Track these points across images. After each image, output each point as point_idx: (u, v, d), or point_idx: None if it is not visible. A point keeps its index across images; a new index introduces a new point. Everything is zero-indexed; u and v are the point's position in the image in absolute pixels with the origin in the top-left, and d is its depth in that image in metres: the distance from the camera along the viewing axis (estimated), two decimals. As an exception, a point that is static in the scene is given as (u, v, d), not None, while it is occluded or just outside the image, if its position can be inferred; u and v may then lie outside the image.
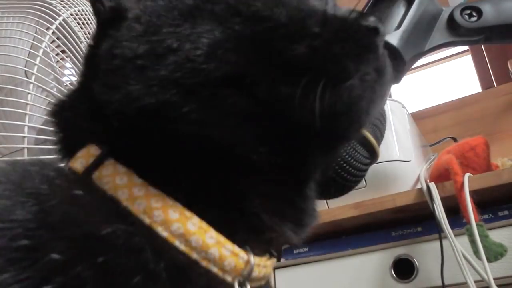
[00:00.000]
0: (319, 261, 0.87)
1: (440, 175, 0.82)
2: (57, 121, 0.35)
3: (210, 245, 0.29)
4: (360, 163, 0.49)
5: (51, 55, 0.82)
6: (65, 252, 0.24)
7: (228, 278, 0.30)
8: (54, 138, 0.35)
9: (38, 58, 0.76)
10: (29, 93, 0.74)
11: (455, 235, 0.71)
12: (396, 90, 1.69)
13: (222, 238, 0.30)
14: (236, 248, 0.30)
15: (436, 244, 0.75)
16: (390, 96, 1.29)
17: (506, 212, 0.78)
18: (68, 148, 0.33)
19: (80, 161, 0.31)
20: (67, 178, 0.30)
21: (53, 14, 0.82)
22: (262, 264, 0.32)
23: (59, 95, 0.76)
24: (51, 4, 0.83)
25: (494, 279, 0.66)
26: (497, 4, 0.60)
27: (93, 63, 0.33)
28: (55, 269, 0.24)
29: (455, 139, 1.04)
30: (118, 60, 0.31)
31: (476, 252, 0.67)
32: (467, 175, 0.74)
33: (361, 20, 0.33)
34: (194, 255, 0.29)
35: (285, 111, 0.30)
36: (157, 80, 0.29)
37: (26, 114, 0.72)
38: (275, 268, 0.90)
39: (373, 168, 0.54)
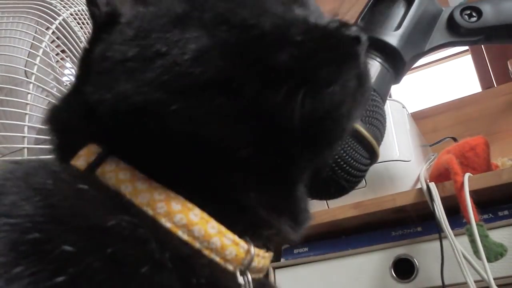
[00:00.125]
0: (319, 261, 0.87)
1: (440, 175, 0.82)
2: (52, 127, 0.36)
3: (212, 234, 0.30)
4: (360, 163, 0.49)
5: (51, 55, 0.81)
6: (76, 243, 0.25)
7: (230, 267, 0.31)
8: (51, 145, 0.36)
9: (38, 58, 0.76)
10: (29, 93, 0.74)
11: (455, 235, 0.71)
12: (396, 90, 1.69)
13: (223, 228, 0.31)
14: (236, 238, 0.32)
15: (436, 244, 0.75)
16: (390, 96, 1.29)
17: (506, 212, 0.78)
18: (67, 150, 0.34)
19: (82, 159, 0.32)
20: (71, 174, 0.31)
21: (53, 14, 0.82)
22: (261, 255, 0.33)
23: (59, 95, 0.76)
24: (51, 4, 0.83)
25: (494, 279, 0.66)
26: (497, 4, 0.60)
27: (87, 66, 0.35)
28: (67, 260, 0.24)
29: (455, 139, 1.04)
30: (109, 62, 0.33)
31: (476, 252, 0.67)
32: (467, 175, 0.74)
33: (343, 29, 0.35)
34: (197, 245, 0.30)
35: (269, 115, 0.31)
36: (146, 81, 0.31)
37: (26, 114, 0.72)
38: (275, 268, 0.90)
39: (373, 168, 0.54)
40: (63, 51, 0.83)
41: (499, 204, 0.79)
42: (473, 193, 0.71)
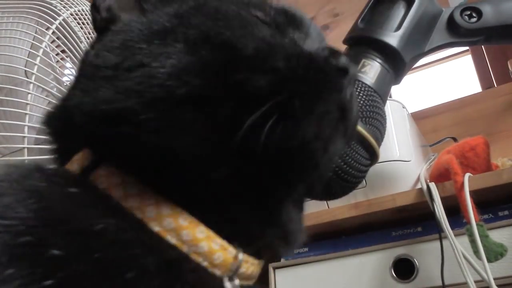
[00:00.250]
0: (319, 261, 0.87)
1: (440, 175, 0.82)
2: (50, 130, 0.36)
3: (200, 239, 0.30)
4: (360, 164, 0.49)
5: (51, 55, 0.82)
6: (64, 248, 0.25)
7: (218, 272, 0.31)
8: (50, 149, 0.36)
9: (38, 58, 0.76)
10: (29, 93, 0.74)
11: (455, 235, 0.71)
12: (396, 90, 1.69)
13: (211, 233, 0.31)
14: (225, 243, 0.31)
15: (436, 244, 0.75)
16: (390, 96, 1.29)
17: (506, 212, 0.78)
18: (63, 154, 0.34)
19: (76, 163, 0.33)
20: (64, 177, 0.31)
21: (53, 14, 0.82)
22: (250, 262, 0.33)
23: (59, 95, 0.76)
24: (51, 4, 0.83)
25: (494, 279, 0.66)
26: (497, 5, 0.60)
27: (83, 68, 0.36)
28: (55, 264, 0.24)
29: (455, 139, 1.04)
30: (93, 67, 0.34)
31: (476, 252, 0.67)
32: (467, 175, 0.74)
33: (331, 59, 0.34)
34: (185, 249, 0.30)
35: (240, 139, 0.30)
36: (123, 89, 0.31)
37: (26, 114, 0.72)
38: (275, 268, 0.90)
39: (373, 168, 0.54)
40: (63, 51, 0.83)
41: (499, 204, 0.79)
42: (473, 193, 0.71)
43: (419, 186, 0.83)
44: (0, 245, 0.24)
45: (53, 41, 0.82)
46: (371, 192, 0.85)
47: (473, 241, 0.67)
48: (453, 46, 0.63)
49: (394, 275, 0.79)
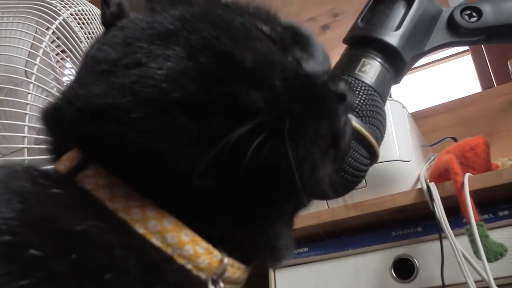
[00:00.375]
0: (319, 261, 0.87)
1: (440, 175, 0.82)
2: (46, 128, 0.36)
3: (185, 242, 0.30)
4: (360, 163, 0.49)
5: (51, 55, 0.82)
6: (43, 248, 0.25)
7: (202, 276, 0.31)
8: (46, 147, 0.36)
9: (38, 58, 0.76)
10: (29, 93, 0.74)
11: (455, 235, 0.71)
12: (396, 90, 1.69)
13: (196, 237, 0.31)
14: (210, 247, 0.31)
15: (436, 244, 0.75)
16: (390, 96, 1.29)
17: (506, 212, 0.78)
18: (55, 152, 0.35)
19: (64, 164, 0.32)
20: (49, 178, 0.31)
21: (53, 14, 0.82)
22: (236, 266, 0.33)
23: (59, 95, 0.76)
24: (51, 4, 0.83)
25: (494, 279, 0.66)
26: (497, 5, 0.60)
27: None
28: (33, 264, 0.24)
29: (455, 139, 1.04)
30: (92, 61, 0.34)
31: (476, 252, 0.67)
32: (467, 175, 0.74)
33: (330, 84, 0.33)
34: (169, 251, 0.30)
35: (227, 151, 0.30)
36: (118, 85, 0.31)
37: (26, 114, 0.72)
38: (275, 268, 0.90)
39: (373, 168, 0.54)
40: (63, 51, 0.83)
41: (499, 204, 0.79)
42: (473, 193, 0.71)
43: (419, 186, 0.83)
44: None
45: (53, 41, 0.82)
46: (371, 192, 0.85)
47: (473, 241, 0.67)
48: (453, 46, 0.63)
49: (394, 275, 0.79)
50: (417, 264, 0.78)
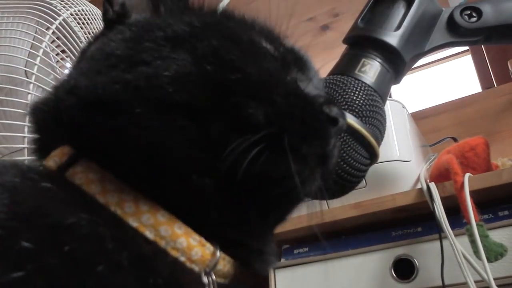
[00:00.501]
0: (319, 261, 0.87)
1: (440, 175, 0.82)
2: (32, 121, 0.36)
3: (178, 234, 0.31)
4: (360, 163, 0.49)
5: (51, 55, 0.82)
6: (34, 241, 0.25)
7: (195, 268, 0.31)
8: (32, 137, 0.36)
9: (38, 58, 0.76)
10: (29, 93, 0.74)
11: (455, 235, 0.71)
12: (396, 90, 1.69)
13: (189, 230, 0.32)
14: (203, 240, 0.32)
15: (436, 244, 0.75)
16: (390, 96, 1.29)
17: (506, 212, 0.78)
18: (42, 149, 0.35)
19: (54, 160, 0.33)
20: (39, 173, 0.31)
21: (53, 14, 0.82)
22: (226, 259, 0.34)
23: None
24: (51, 4, 0.83)
25: (494, 279, 0.66)
26: (497, 5, 0.60)
27: (82, 56, 0.37)
28: (25, 257, 0.24)
29: (455, 139, 1.04)
30: (99, 53, 0.35)
31: (476, 252, 0.67)
32: (467, 175, 0.74)
33: (325, 107, 0.36)
34: (163, 244, 0.30)
35: (224, 157, 0.31)
36: (124, 80, 0.32)
37: (26, 114, 0.72)
38: (275, 268, 0.90)
39: (373, 168, 0.54)
40: (63, 51, 0.83)
41: (499, 204, 0.79)
42: (473, 193, 0.71)
43: (419, 186, 0.82)
44: None
45: (53, 41, 0.82)
46: (371, 192, 0.85)
47: (473, 241, 0.67)
48: (453, 46, 0.63)
49: (394, 275, 0.79)
50: (417, 264, 0.78)
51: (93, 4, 0.94)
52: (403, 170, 0.86)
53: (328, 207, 0.88)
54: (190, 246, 0.31)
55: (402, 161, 0.86)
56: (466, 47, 1.57)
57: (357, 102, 0.50)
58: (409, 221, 0.84)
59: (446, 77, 1.73)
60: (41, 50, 0.77)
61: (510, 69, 1.29)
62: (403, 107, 0.94)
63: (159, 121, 0.31)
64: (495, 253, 0.66)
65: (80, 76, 0.34)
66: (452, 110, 1.32)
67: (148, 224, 0.30)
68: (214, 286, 0.32)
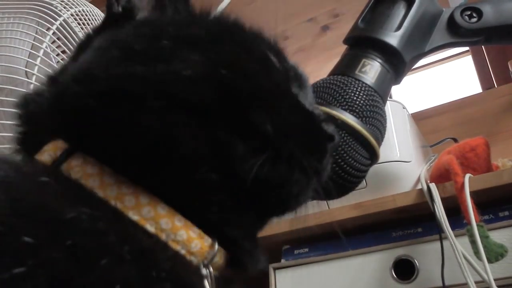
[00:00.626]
0: (319, 262, 0.87)
1: (441, 176, 0.82)
2: (21, 113, 0.36)
3: (179, 227, 0.31)
4: (360, 163, 0.49)
5: (51, 56, 0.82)
6: (36, 236, 0.25)
7: (194, 260, 0.32)
8: (16, 131, 0.36)
9: (39, 59, 0.76)
10: (29, 94, 0.74)
11: (455, 236, 0.71)
12: (397, 91, 1.69)
13: (189, 222, 0.32)
14: (201, 232, 0.32)
15: (437, 244, 0.75)
16: (391, 97, 1.29)
17: (506, 213, 0.78)
18: (31, 144, 0.34)
19: (47, 154, 0.32)
20: (34, 168, 0.31)
21: (54, 15, 0.82)
22: (221, 251, 0.34)
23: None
24: (51, 4, 0.83)
25: (495, 279, 0.66)
26: (497, 5, 0.60)
27: (82, 49, 0.37)
28: (26, 252, 0.24)
29: (455, 140, 1.04)
30: (111, 46, 0.35)
31: (476, 253, 0.67)
32: (467, 175, 0.74)
33: (323, 124, 0.39)
34: (164, 237, 0.31)
35: (231, 158, 0.33)
36: (139, 74, 0.32)
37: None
38: (275, 269, 0.90)
39: (373, 168, 0.54)
40: (63, 52, 0.83)
41: (499, 204, 0.79)
42: (473, 194, 0.71)
43: (419, 186, 0.82)
44: None
45: (53, 42, 0.82)
46: (372, 193, 0.85)
47: (473, 242, 0.67)
48: (453, 46, 0.63)
49: (395, 275, 0.79)
50: (417, 264, 0.78)
51: (94, 5, 0.94)
52: (403, 171, 0.86)
53: (329, 208, 0.88)
54: (190, 238, 0.32)
55: (402, 161, 0.86)
56: (467, 48, 1.57)
57: (357, 102, 0.50)
58: (409, 221, 0.84)
59: (447, 78, 1.73)
60: (42, 51, 0.77)
61: (510, 69, 1.29)
62: (404, 107, 0.94)
63: (172, 115, 0.32)
64: (495, 254, 0.66)
65: (89, 65, 0.34)
66: (452, 110, 1.32)
67: (148, 217, 0.31)
68: (211, 277, 0.32)
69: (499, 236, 0.71)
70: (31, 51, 0.78)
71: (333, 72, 0.55)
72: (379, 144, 0.51)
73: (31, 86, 0.74)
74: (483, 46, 1.47)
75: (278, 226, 0.82)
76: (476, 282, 0.68)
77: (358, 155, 0.49)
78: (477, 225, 0.68)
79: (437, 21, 0.60)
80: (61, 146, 0.32)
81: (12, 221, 0.25)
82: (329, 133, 0.39)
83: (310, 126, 0.38)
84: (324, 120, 0.40)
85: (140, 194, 0.31)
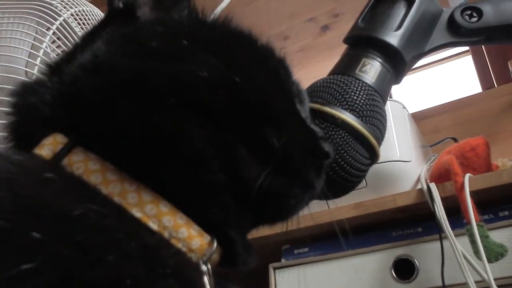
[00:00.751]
0: (319, 262, 0.87)
1: (441, 176, 0.82)
2: (17, 102, 0.35)
3: (180, 224, 0.31)
4: (360, 163, 0.49)
5: (51, 56, 0.82)
6: (43, 231, 0.25)
7: (194, 257, 0.32)
8: (8, 120, 0.35)
9: (39, 59, 0.76)
10: (29, 93, 0.74)
11: (455, 236, 0.71)
12: (397, 91, 1.69)
13: (189, 220, 0.32)
14: (201, 230, 0.33)
15: (437, 244, 0.75)
16: (391, 97, 1.29)
17: (506, 213, 0.78)
18: (26, 137, 0.33)
19: (47, 148, 0.31)
20: (35, 162, 0.31)
21: (54, 15, 0.82)
22: (218, 249, 0.34)
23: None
24: (51, 4, 0.83)
25: (495, 279, 0.66)
26: (498, 5, 0.60)
27: (87, 43, 0.37)
28: (34, 248, 0.24)
29: (455, 140, 1.04)
30: (125, 40, 0.36)
31: (476, 253, 0.67)
32: (467, 175, 0.74)
33: (321, 141, 0.41)
34: (166, 234, 0.31)
35: (237, 163, 0.34)
36: (157, 70, 0.33)
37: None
38: (275, 268, 0.90)
39: (373, 168, 0.54)
40: (63, 52, 0.83)
41: (499, 204, 0.79)
42: (473, 194, 0.71)
43: (419, 186, 0.83)
44: None
45: (53, 42, 0.82)
46: (372, 193, 0.85)
47: (473, 242, 0.67)
48: (453, 46, 0.63)
49: (394, 275, 0.79)
50: (417, 264, 0.78)
51: (94, 5, 0.94)
52: (403, 171, 0.87)
53: (328, 207, 0.88)
54: (191, 236, 0.32)
55: (402, 161, 0.86)
56: (467, 48, 1.57)
57: (357, 102, 0.50)
58: (409, 221, 0.84)
59: (447, 78, 1.73)
60: (42, 51, 0.77)
61: (510, 69, 1.29)
62: (404, 107, 0.94)
63: (185, 114, 0.32)
64: (495, 254, 0.66)
65: (104, 57, 0.34)
66: (452, 110, 1.32)
67: (151, 214, 0.31)
68: (210, 274, 0.32)
69: (499, 236, 0.71)
70: (31, 51, 0.78)
71: (333, 72, 0.55)
72: (379, 143, 0.51)
73: (31, 86, 0.74)
74: (483, 46, 1.47)
75: (278, 225, 0.82)
76: (476, 282, 0.68)
77: (358, 155, 0.49)
78: (477, 225, 0.68)
79: (437, 20, 0.60)
80: (61, 140, 0.32)
81: (19, 218, 0.25)
82: (325, 151, 0.41)
83: (311, 144, 0.40)
84: (322, 138, 0.42)
85: (143, 191, 0.31)
